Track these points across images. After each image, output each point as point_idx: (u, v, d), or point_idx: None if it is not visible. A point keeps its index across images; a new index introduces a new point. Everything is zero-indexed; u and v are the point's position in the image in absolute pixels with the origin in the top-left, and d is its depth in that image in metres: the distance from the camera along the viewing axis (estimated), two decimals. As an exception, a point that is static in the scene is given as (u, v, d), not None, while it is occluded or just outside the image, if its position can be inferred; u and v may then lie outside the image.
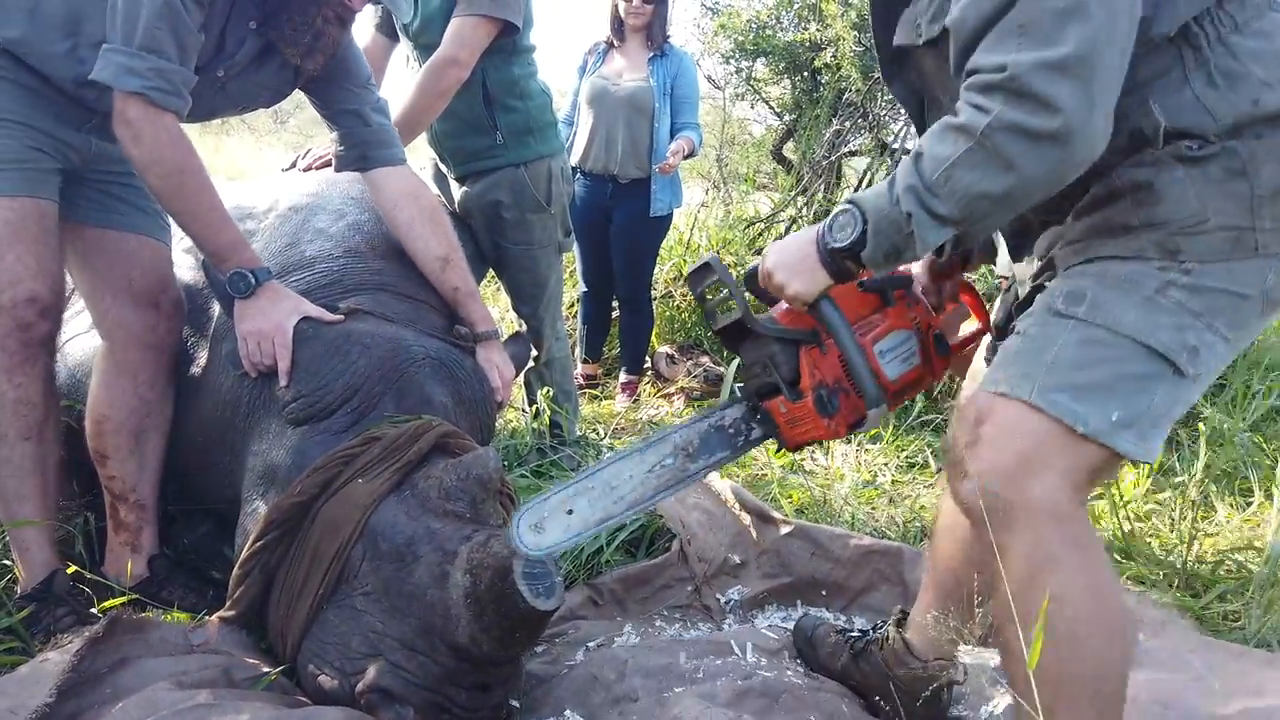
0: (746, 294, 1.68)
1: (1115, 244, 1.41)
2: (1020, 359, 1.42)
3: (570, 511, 1.62)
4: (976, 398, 1.45)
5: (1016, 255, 1.69)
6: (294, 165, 3.19)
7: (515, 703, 1.95)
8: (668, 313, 5.64)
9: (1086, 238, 1.45)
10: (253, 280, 2.14)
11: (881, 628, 2.13)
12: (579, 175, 4.69)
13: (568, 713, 1.93)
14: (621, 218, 4.73)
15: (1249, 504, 3.29)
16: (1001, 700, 2.07)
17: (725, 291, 1.69)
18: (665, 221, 4.89)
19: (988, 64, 1.31)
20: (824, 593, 2.69)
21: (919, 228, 1.37)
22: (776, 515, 2.72)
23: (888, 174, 1.58)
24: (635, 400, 4.86)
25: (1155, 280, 1.37)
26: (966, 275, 2.00)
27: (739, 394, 1.79)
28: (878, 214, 1.42)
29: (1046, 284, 1.51)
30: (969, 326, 1.98)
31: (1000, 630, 1.47)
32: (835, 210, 1.49)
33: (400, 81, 3.44)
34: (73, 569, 2.24)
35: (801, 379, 1.62)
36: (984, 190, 1.31)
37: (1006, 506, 1.36)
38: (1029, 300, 1.60)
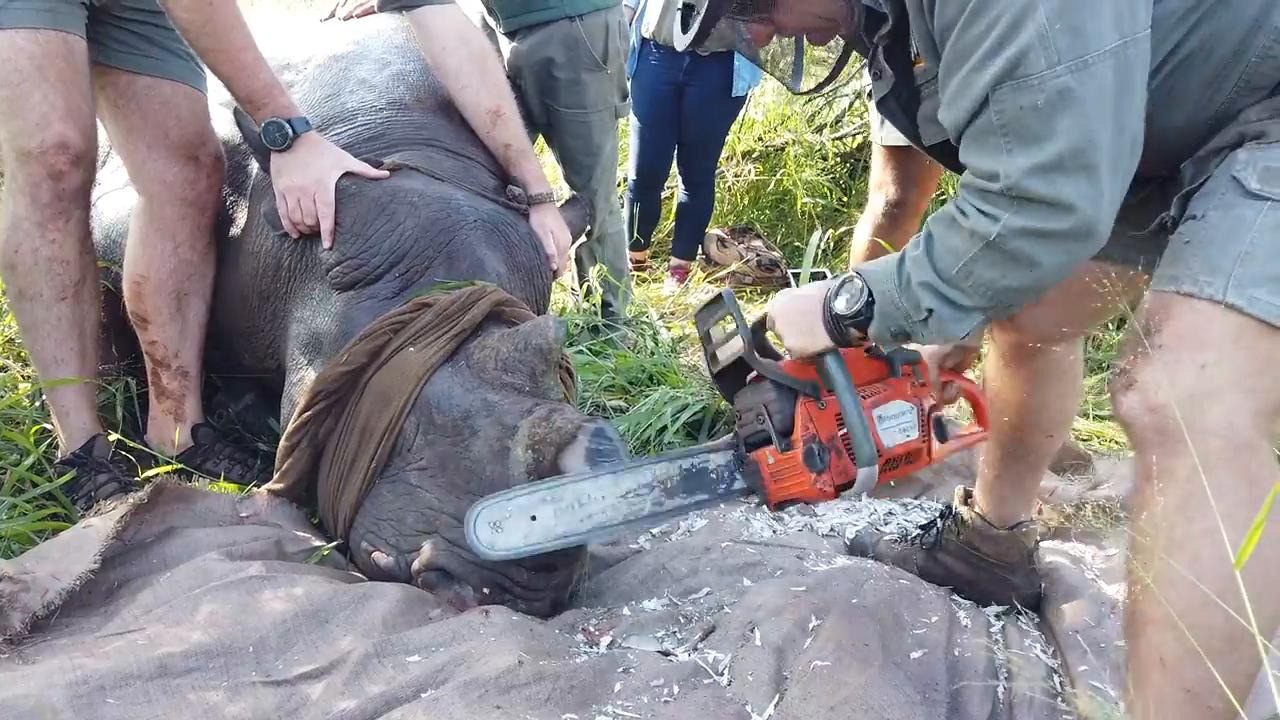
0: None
1: None
2: (1204, 250, 1.20)
3: (534, 518, 1.55)
4: (1151, 299, 1.25)
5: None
6: (332, 15, 2.95)
7: (579, 584, 1.86)
8: (718, 194, 5.39)
9: (1273, 116, 1.26)
10: (290, 131, 1.96)
11: (946, 516, 2.02)
12: (650, 47, 4.38)
13: (634, 600, 1.83)
14: (697, 95, 4.41)
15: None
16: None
17: (732, 327, 1.61)
18: (742, 101, 4.59)
19: (980, 168, 1.26)
20: (892, 484, 2.56)
21: (945, 322, 1.32)
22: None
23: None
24: (685, 285, 4.68)
25: None
26: (969, 374, 1.81)
27: (730, 441, 1.67)
28: (884, 298, 1.37)
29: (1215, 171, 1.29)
30: (969, 428, 1.79)
31: (1132, 563, 1.25)
32: (842, 278, 1.45)
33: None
34: (114, 437, 2.16)
35: (794, 430, 1.53)
36: (1009, 285, 1.27)
37: (1176, 428, 1.15)
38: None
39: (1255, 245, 1.17)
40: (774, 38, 1.47)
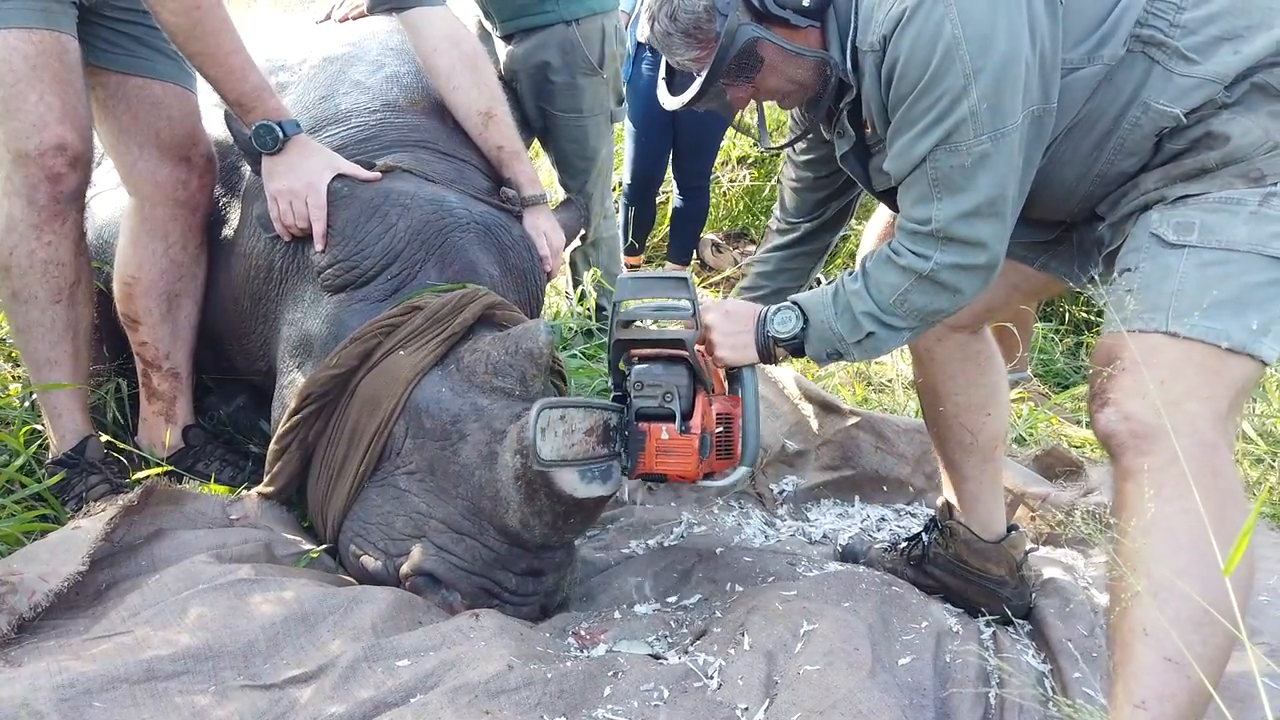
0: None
1: (1202, 184, 1.46)
2: (1144, 293, 1.43)
3: (557, 433, 1.59)
4: (1106, 339, 1.45)
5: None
6: (328, 17, 2.95)
7: (569, 589, 1.85)
8: (713, 199, 5.38)
9: (1167, 184, 1.49)
10: (280, 133, 1.95)
11: (931, 530, 2.03)
12: (645, 52, 4.37)
13: (626, 605, 1.83)
14: None
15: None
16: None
17: (654, 303, 1.78)
18: None
19: (914, 215, 1.55)
20: (885, 489, 2.57)
21: (881, 343, 1.61)
22: (843, 405, 2.57)
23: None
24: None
25: (1255, 197, 1.42)
26: None
27: (616, 405, 1.76)
28: (820, 324, 1.64)
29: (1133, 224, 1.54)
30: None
31: (1115, 543, 1.39)
32: (778, 306, 1.68)
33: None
34: (105, 438, 2.15)
35: (693, 417, 1.69)
36: (937, 308, 1.58)
37: (1149, 431, 1.34)
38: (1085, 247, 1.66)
39: (1184, 284, 1.40)
40: (751, 100, 1.68)
